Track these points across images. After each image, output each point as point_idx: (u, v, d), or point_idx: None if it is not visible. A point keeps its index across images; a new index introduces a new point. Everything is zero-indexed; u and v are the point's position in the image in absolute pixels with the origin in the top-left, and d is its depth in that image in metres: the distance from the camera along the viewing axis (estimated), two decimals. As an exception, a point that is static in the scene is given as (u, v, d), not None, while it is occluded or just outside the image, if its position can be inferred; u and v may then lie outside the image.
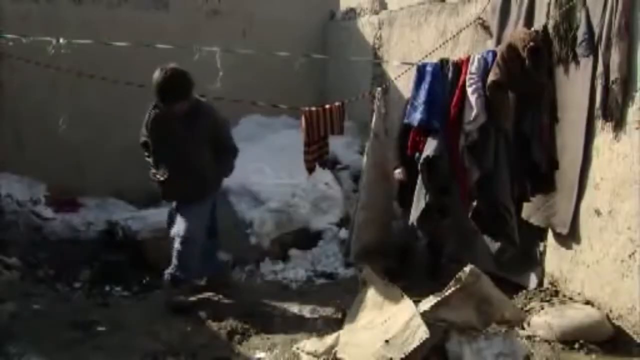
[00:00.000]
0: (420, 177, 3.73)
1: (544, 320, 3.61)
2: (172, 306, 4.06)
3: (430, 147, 3.66)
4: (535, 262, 4.24)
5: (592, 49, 3.65)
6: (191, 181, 4.07)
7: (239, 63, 5.74)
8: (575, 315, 3.62)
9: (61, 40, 4.29)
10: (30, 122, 6.48)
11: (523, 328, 3.64)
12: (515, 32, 3.82)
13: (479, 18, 4.70)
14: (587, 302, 3.74)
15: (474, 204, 3.64)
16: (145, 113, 4.11)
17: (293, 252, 5.62)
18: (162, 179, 4.05)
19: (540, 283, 4.20)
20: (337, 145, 6.40)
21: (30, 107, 6.46)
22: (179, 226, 4.09)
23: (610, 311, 3.63)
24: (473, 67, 3.53)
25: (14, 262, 5.12)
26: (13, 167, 6.25)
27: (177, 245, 4.05)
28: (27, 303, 4.11)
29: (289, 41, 6.99)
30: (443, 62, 3.68)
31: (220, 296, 4.32)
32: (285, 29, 7.45)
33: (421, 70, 3.74)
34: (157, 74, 3.91)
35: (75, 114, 5.87)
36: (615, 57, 3.48)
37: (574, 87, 3.82)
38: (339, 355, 3.28)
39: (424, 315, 3.12)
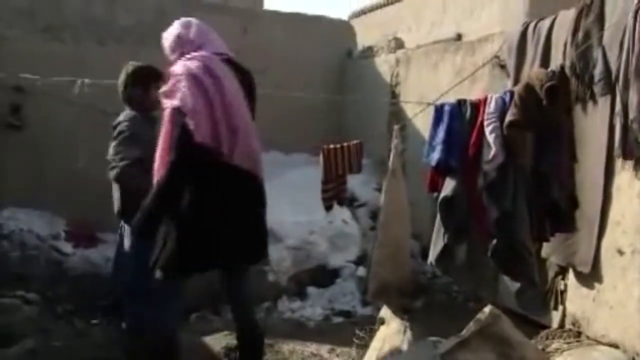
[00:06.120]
0: (438, 216, 3.72)
1: (567, 363, 3.54)
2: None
3: (448, 187, 3.66)
4: (556, 301, 4.17)
5: (610, 88, 3.67)
6: None
7: (257, 101, 5.82)
8: (599, 357, 3.54)
9: (85, 81, 4.41)
10: (53, 158, 6.60)
11: (545, 370, 3.57)
12: (532, 72, 3.85)
13: (496, 57, 4.74)
14: (612, 344, 3.66)
15: (493, 242, 3.62)
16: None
17: (310, 289, 5.60)
18: None
19: (562, 323, 4.12)
20: (355, 182, 6.42)
21: (53, 142, 6.59)
22: None
23: (637, 354, 3.54)
24: (491, 107, 3.55)
25: (33, 297, 5.16)
26: (35, 202, 6.34)
27: None
28: (45, 339, 4.12)
29: (306, 79, 7.08)
30: (460, 102, 3.71)
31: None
32: (302, 67, 7.54)
33: (439, 110, 3.76)
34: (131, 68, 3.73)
35: (97, 150, 5.98)
36: (633, 96, 3.48)
37: (593, 126, 3.82)
38: (357, 397, 3.24)
39: (443, 357, 3.07)
